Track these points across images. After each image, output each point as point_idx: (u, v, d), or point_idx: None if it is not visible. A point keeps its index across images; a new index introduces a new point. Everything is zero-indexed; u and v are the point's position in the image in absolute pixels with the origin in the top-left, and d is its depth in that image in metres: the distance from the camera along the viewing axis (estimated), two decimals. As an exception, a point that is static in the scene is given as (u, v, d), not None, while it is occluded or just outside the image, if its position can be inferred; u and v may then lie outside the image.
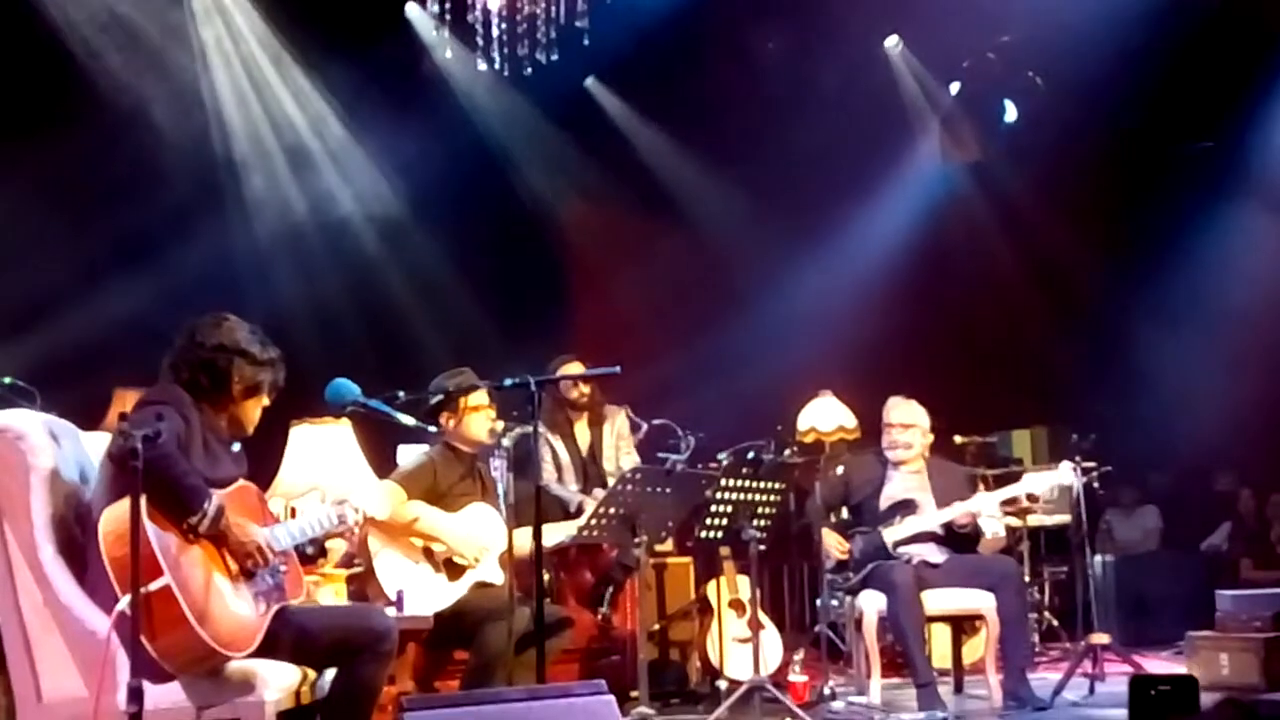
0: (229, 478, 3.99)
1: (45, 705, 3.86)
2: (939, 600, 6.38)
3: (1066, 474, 6.67)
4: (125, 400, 7.40)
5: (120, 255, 8.29)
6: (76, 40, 8.35)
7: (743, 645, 6.87)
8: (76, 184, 8.17)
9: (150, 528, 3.60)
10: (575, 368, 7.05)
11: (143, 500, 3.56)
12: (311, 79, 9.45)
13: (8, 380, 6.43)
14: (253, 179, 9.27)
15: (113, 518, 3.62)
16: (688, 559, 7.40)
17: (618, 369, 6.78)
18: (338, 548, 5.48)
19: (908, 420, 6.63)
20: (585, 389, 7.27)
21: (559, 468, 7.27)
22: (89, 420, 4.86)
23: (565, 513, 6.93)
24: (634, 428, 7.22)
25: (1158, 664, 7.45)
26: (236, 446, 4.17)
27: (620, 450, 7.33)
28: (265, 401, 4.19)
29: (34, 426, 3.91)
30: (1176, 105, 9.92)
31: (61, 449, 3.95)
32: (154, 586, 3.55)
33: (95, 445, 4.11)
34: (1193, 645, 7.00)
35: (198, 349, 4.05)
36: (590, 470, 7.29)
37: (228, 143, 9.15)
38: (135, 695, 3.33)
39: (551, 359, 7.17)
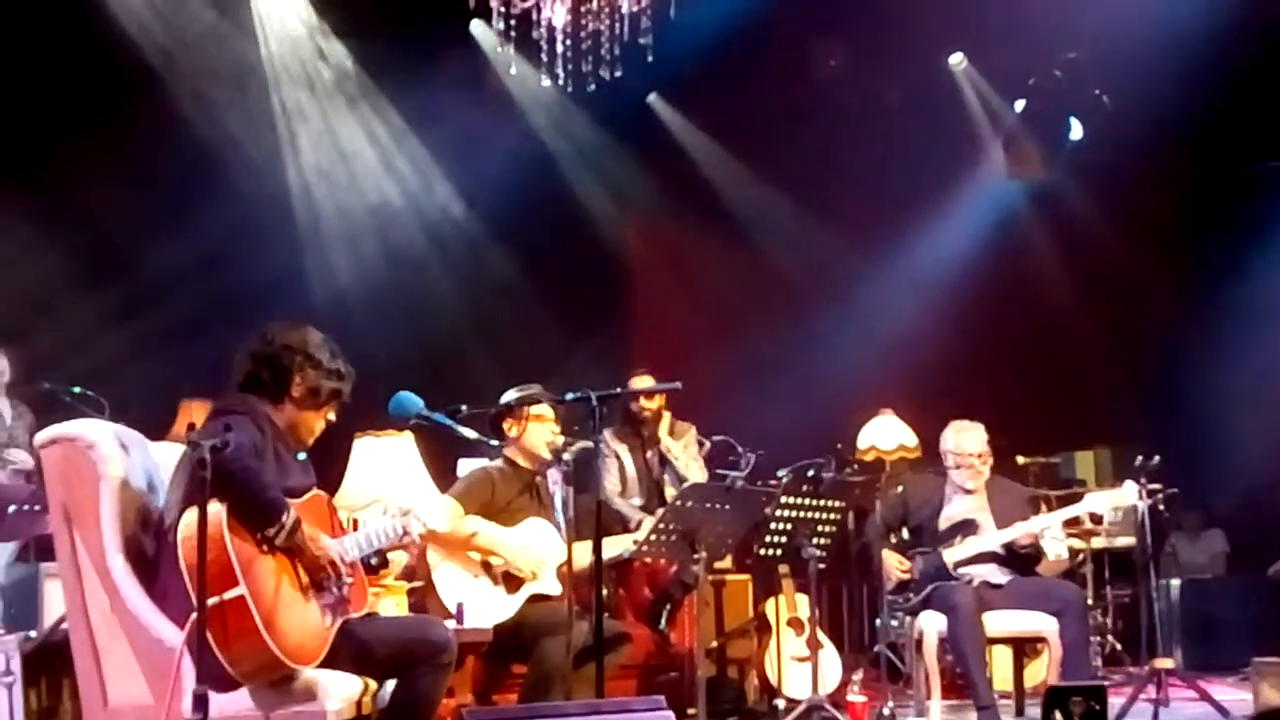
0: (300, 487, 4.02)
1: (111, 711, 3.90)
2: (1001, 622, 6.31)
3: (1130, 494, 6.58)
4: (191, 411, 7.52)
5: (190, 269, 8.40)
6: (152, 66, 8.50)
7: (801, 664, 6.83)
8: (148, 197, 8.30)
9: (228, 537, 3.64)
10: (644, 382, 7.05)
11: (223, 509, 3.61)
12: (377, 95, 9.56)
13: (77, 390, 6.54)
14: (321, 195, 9.38)
15: (192, 524, 3.64)
16: (746, 576, 7.38)
17: (679, 385, 6.80)
18: (399, 559, 5.51)
19: (981, 448, 6.58)
20: (651, 404, 7.27)
21: (624, 481, 7.27)
22: (156, 431, 4.92)
23: (625, 528, 6.92)
24: (698, 445, 7.23)
25: (1223, 689, 7.33)
26: (302, 456, 4.21)
27: (688, 455, 7.31)
28: (328, 414, 4.19)
29: (104, 436, 3.96)
30: (1245, 124, 9.79)
31: (131, 458, 3.99)
32: (229, 595, 3.59)
33: (163, 455, 4.16)
34: (1259, 671, 6.87)
35: (266, 345, 4.10)
36: (655, 486, 7.27)
37: (298, 160, 9.27)
38: (200, 702, 3.37)
39: (614, 375, 7.18)
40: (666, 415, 7.38)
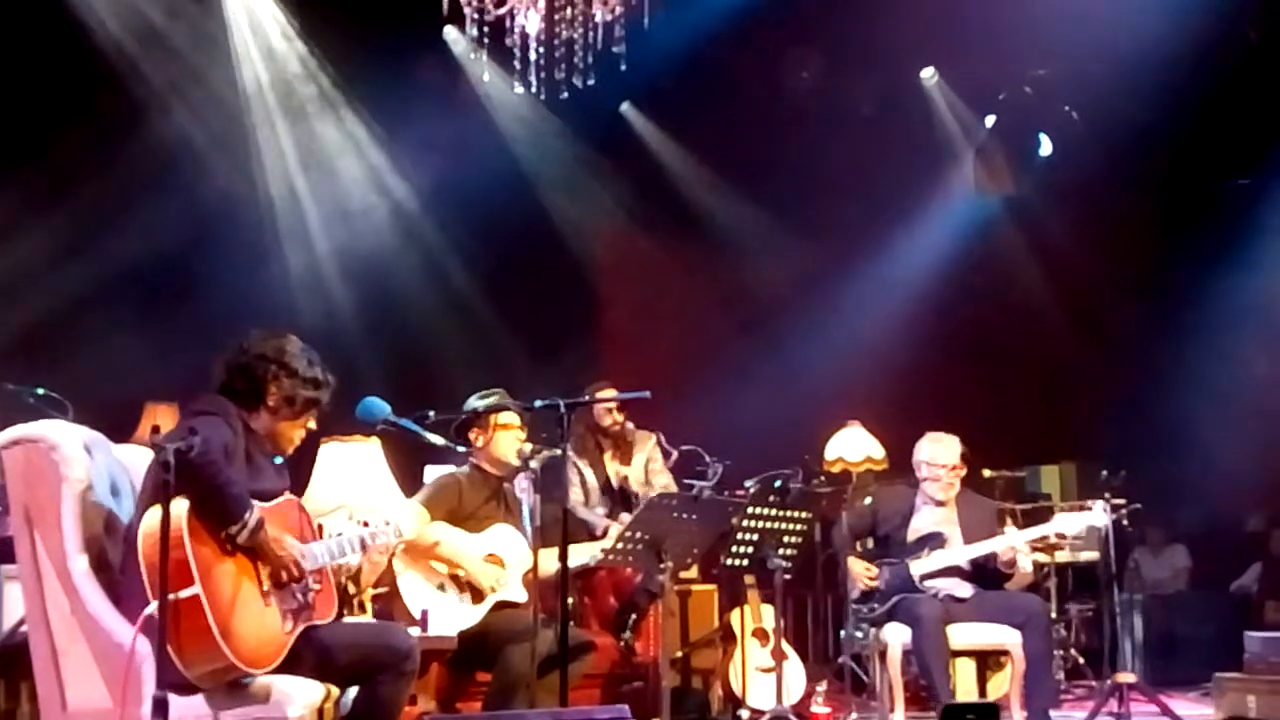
0: (271, 490, 4.00)
1: (70, 714, 3.87)
2: (964, 635, 6.34)
3: (1099, 515, 6.61)
4: (156, 414, 7.47)
5: (154, 273, 8.35)
6: (119, 63, 8.44)
7: (766, 675, 6.83)
8: (112, 202, 8.24)
9: (187, 536, 3.62)
10: (609, 393, 7.05)
11: (184, 507, 3.59)
12: (348, 100, 9.53)
13: (41, 392, 6.48)
14: (291, 201, 9.34)
15: (154, 521, 3.63)
16: (712, 586, 7.39)
17: (648, 394, 6.80)
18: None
19: (955, 460, 6.60)
20: (619, 416, 7.28)
21: (586, 493, 7.28)
22: (119, 433, 4.88)
23: (590, 536, 6.92)
24: (665, 454, 7.23)
25: (1184, 704, 7.38)
26: (278, 460, 4.18)
27: (651, 471, 7.33)
28: (307, 423, 4.18)
29: (67, 438, 3.94)
30: (1213, 141, 9.88)
31: (94, 461, 3.97)
32: (184, 594, 3.57)
33: (127, 457, 4.13)
34: (1220, 686, 6.92)
35: (242, 354, 4.09)
36: (618, 497, 7.29)
37: (268, 165, 9.24)
38: (160, 707, 3.34)
39: (582, 385, 7.17)
40: (616, 461, 7.36)
